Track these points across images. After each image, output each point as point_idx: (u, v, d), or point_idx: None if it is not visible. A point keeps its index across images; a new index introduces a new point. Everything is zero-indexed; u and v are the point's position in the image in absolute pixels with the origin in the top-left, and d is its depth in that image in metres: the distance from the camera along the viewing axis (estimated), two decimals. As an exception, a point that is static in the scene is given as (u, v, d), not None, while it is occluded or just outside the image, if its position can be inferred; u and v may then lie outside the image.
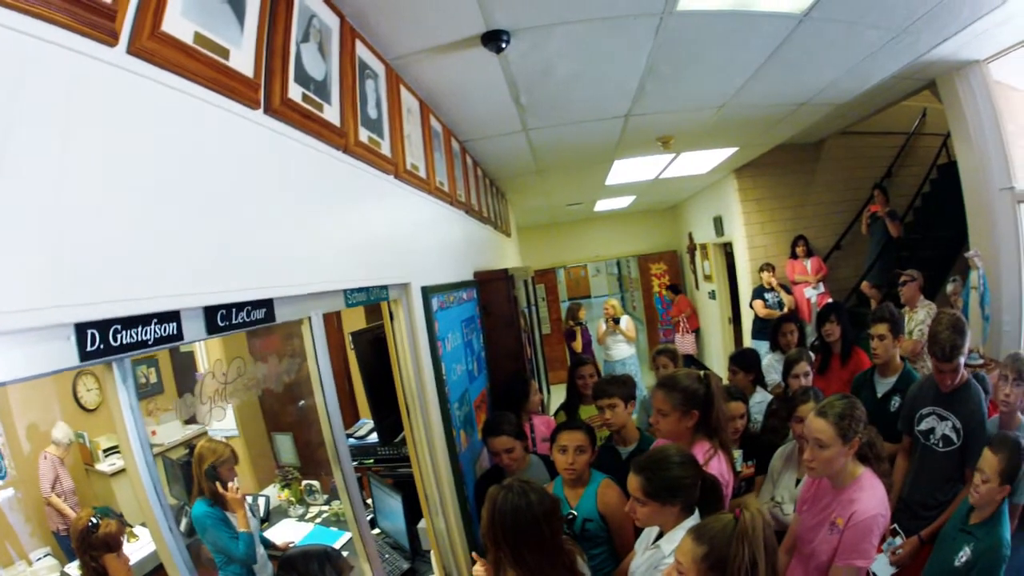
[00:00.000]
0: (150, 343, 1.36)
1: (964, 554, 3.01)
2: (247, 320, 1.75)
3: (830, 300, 8.07)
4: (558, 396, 6.60)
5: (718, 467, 2.89)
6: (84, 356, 1.20)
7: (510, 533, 2.42)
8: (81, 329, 1.19)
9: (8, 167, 1.05)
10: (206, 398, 2.33)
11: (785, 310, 8.50)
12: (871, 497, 2.68)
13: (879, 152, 9.26)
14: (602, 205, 11.94)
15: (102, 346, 1.24)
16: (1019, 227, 5.34)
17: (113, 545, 2.85)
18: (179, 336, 1.45)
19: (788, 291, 8.79)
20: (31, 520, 3.70)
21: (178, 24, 1.47)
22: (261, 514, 4.37)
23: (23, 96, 1.09)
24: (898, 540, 3.57)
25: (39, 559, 3.59)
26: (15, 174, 1.06)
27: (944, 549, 3.20)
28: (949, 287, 6.01)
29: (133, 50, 1.36)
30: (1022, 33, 4.78)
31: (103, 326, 1.23)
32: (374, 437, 4.50)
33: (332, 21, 2.44)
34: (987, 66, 5.29)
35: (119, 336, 1.27)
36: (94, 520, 2.81)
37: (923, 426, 3.70)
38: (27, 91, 1.10)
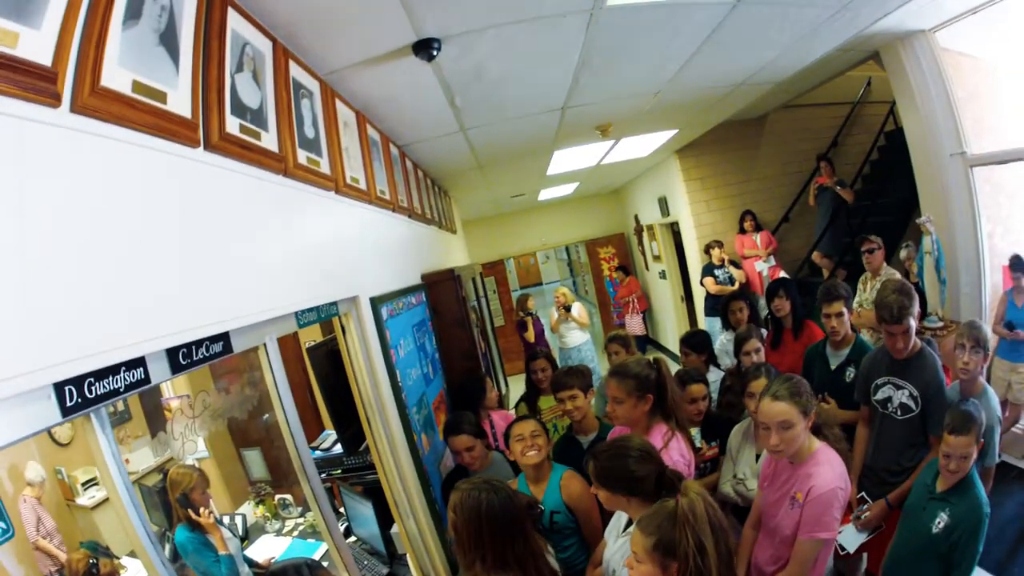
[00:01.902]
0: (121, 390, 1.42)
1: (941, 520, 3.01)
2: (207, 355, 1.81)
3: (782, 274, 8.20)
4: (516, 387, 6.66)
5: (678, 448, 2.99)
6: (65, 412, 1.27)
7: (499, 531, 2.44)
8: (59, 387, 1.25)
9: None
10: (178, 435, 2.37)
11: (736, 285, 8.60)
12: (828, 471, 2.72)
13: (824, 123, 9.35)
14: (546, 194, 11.99)
15: (79, 400, 1.30)
16: (972, 191, 5.39)
17: (113, 585, 2.85)
18: (147, 380, 1.51)
19: (738, 266, 8.87)
20: (23, 562, 3.61)
21: (116, 75, 1.51)
22: (240, 533, 4.36)
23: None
24: (864, 509, 3.62)
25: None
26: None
27: (915, 520, 3.19)
28: (903, 253, 6.09)
29: (76, 108, 1.40)
30: (971, 1, 4.84)
31: (78, 381, 1.29)
32: (339, 448, 4.52)
33: (265, 46, 2.46)
34: (933, 35, 5.32)
35: (93, 388, 1.33)
36: (93, 561, 2.84)
37: (879, 395, 3.73)
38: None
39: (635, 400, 3.10)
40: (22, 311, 1.18)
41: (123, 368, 1.42)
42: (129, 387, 1.45)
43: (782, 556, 2.84)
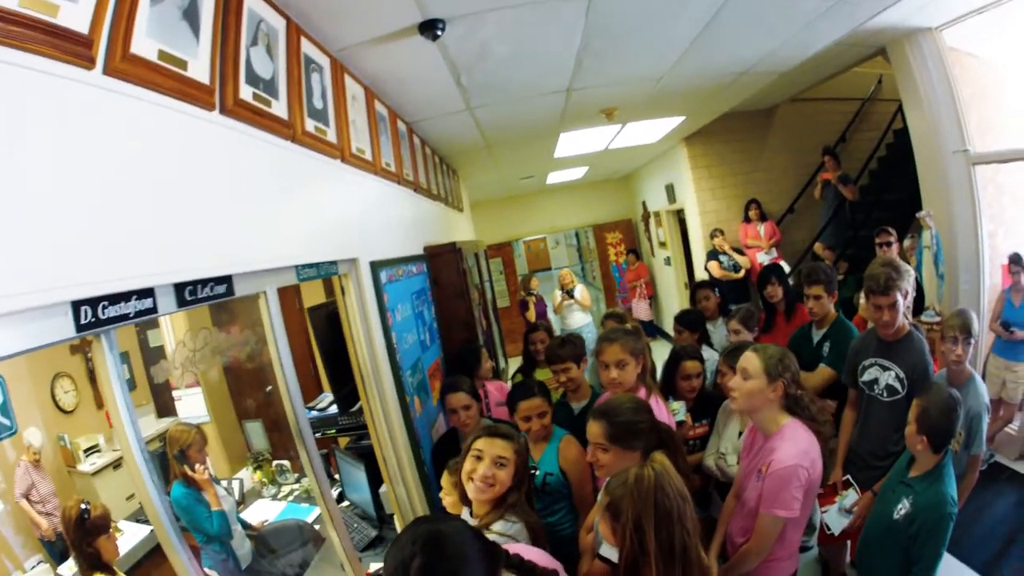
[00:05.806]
0: (131, 316, 1.59)
1: (903, 507, 2.99)
2: (211, 294, 1.99)
3: (780, 263, 8.33)
4: (516, 366, 6.78)
5: (657, 410, 3.05)
6: (79, 328, 1.44)
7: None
8: (76, 305, 1.43)
9: (15, 177, 1.28)
10: (179, 364, 2.52)
11: (742, 273, 8.71)
12: (791, 447, 2.73)
13: (833, 118, 9.39)
14: (555, 177, 12.05)
15: (93, 319, 1.47)
16: (974, 188, 5.44)
17: (105, 527, 2.92)
18: (154, 309, 1.69)
19: (741, 253, 8.95)
20: (21, 531, 3.72)
21: (144, 44, 1.69)
22: (236, 496, 4.45)
23: (25, 116, 1.33)
24: (850, 493, 3.60)
25: (32, 567, 3.65)
26: (21, 182, 1.30)
27: (884, 501, 3.20)
28: (906, 242, 6.21)
29: (109, 71, 1.58)
30: (976, 1, 4.91)
31: (93, 303, 1.47)
32: (335, 409, 4.63)
33: (278, 23, 2.62)
34: (940, 33, 5.37)
35: (106, 311, 1.51)
36: (84, 505, 2.86)
37: (866, 377, 3.76)
38: (27, 111, 1.34)
39: (635, 361, 3.26)
40: (50, 235, 1.35)
41: (135, 296, 1.60)
42: (139, 314, 1.62)
43: (749, 528, 2.89)
